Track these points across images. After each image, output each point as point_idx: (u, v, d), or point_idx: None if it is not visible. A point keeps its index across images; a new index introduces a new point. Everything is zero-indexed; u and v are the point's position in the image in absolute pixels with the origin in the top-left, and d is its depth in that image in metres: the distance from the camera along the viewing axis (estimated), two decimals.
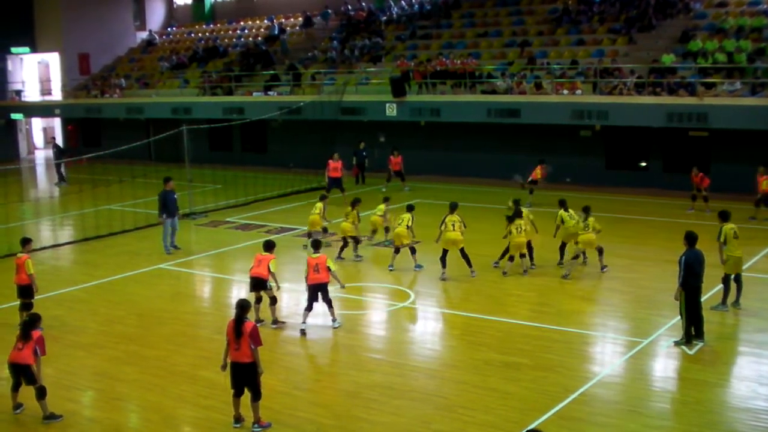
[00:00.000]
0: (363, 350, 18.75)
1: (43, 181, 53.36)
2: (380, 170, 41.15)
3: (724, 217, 20.49)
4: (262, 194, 38.81)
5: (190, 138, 36.11)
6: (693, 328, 18.10)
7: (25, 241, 20.71)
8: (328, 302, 19.84)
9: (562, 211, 24.93)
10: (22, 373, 15.03)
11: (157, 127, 49.07)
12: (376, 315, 21.62)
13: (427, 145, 41.98)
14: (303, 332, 19.66)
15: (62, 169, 47.36)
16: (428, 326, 21.01)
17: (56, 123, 64.34)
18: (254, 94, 48.48)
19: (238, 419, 14.76)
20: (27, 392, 15.24)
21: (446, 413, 15.12)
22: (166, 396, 16.58)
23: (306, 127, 44.20)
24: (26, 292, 20.28)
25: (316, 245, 20.31)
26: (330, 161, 37.28)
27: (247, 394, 14.58)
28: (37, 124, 65.65)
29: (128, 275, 25.64)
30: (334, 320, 20.00)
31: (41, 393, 14.98)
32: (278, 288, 20.50)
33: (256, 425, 14.52)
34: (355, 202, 26.76)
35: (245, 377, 14.48)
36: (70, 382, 17.27)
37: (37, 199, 44.12)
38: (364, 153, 40.25)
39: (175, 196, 28.57)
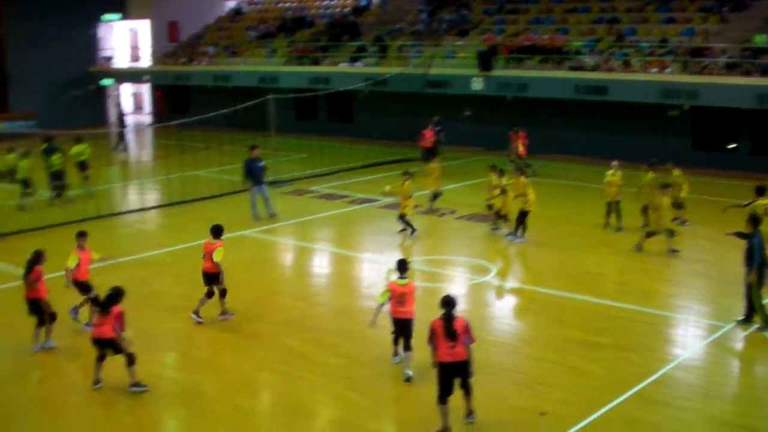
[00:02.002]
0: None
1: (132, 145, 54.21)
2: (462, 145, 41.08)
3: (760, 191, 20.45)
4: (347, 164, 38.94)
5: (276, 107, 36.34)
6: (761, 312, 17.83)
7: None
8: (406, 345, 15.69)
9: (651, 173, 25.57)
10: (107, 346, 15.06)
11: (243, 95, 49.36)
12: (457, 289, 21.60)
13: (512, 120, 41.63)
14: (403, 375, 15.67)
15: (124, 137, 47.93)
16: (508, 302, 20.96)
17: (145, 89, 65.30)
18: (341, 64, 48.56)
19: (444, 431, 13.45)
20: (110, 364, 15.48)
21: (524, 389, 15.10)
22: (244, 360, 16.82)
23: (391, 99, 44.23)
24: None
25: (402, 267, 15.88)
26: (425, 131, 37.28)
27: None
28: (127, 90, 66.68)
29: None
30: (406, 366, 15.77)
31: (131, 360, 14.99)
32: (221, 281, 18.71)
33: (470, 416, 13.78)
34: (494, 167, 26.95)
35: (460, 376, 13.47)
36: (152, 344, 17.59)
37: (125, 163, 44.85)
38: (438, 128, 40.01)
39: (261, 164, 28.75)
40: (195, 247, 24.89)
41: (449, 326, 13.25)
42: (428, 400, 14.66)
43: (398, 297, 15.49)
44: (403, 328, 15.60)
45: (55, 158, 32.69)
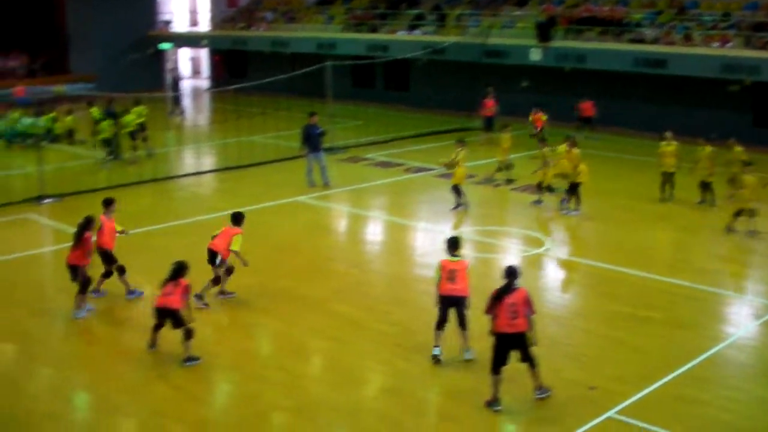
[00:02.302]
0: None
1: (189, 109, 54.57)
2: (519, 116, 40.84)
3: None
4: (403, 133, 38.92)
5: (333, 73, 36.37)
6: None
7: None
8: (462, 323, 15.17)
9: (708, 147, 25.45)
10: (170, 317, 15.08)
11: (301, 61, 49.43)
12: (510, 260, 21.56)
13: (570, 92, 41.29)
14: (437, 359, 15.16)
15: (179, 100, 48.23)
16: (561, 274, 20.89)
17: (203, 54, 65.63)
18: (399, 32, 48.43)
19: (495, 401, 13.45)
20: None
21: (573, 362, 15.08)
22: (297, 325, 16.94)
23: (449, 69, 44.07)
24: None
25: (454, 244, 15.49)
26: (486, 100, 37.16)
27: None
28: (185, 54, 67.07)
29: (266, 206, 26.12)
30: (466, 350, 15.31)
31: (189, 334, 15.05)
32: (246, 264, 18.11)
33: (539, 391, 13.70)
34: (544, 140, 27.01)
35: (519, 347, 13.44)
36: (208, 308, 17.81)
37: (181, 127, 45.20)
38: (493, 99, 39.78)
39: (319, 131, 28.75)
40: (249, 212, 25.04)
41: (507, 296, 13.35)
42: (479, 370, 14.71)
43: (448, 273, 14.98)
44: (454, 306, 14.99)
45: (105, 125, 33.09)
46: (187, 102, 54.34)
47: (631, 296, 18.48)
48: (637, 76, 38.14)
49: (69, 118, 38.46)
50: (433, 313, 17.43)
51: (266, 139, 37.95)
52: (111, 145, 33.50)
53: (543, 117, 34.90)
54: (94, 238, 17.65)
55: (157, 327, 15.32)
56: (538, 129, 34.56)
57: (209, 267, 17.77)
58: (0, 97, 43.74)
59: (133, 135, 33.63)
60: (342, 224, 25.68)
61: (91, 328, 17.05)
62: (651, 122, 36.69)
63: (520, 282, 13.61)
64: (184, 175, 31.42)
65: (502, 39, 42.82)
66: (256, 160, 32.75)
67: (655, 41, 37.85)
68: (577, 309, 18.08)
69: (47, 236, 23.99)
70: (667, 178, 26.32)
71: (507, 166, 28.61)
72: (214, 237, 18.04)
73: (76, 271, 17.23)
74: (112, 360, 15.50)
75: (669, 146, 26.28)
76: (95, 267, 17.77)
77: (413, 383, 14.45)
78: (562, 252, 22.22)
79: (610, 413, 13.21)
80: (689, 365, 14.99)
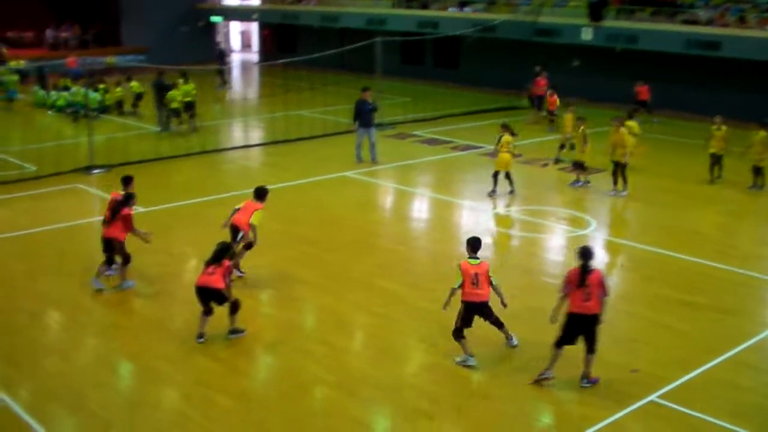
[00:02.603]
0: (539, 274, 18.73)
1: (238, 83, 54.80)
2: (568, 95, 40.55)
3: None
4: (451, 110, 38.83)
5: (383, 50, 36.32)
6: None
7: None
8: (496, 323, 14.73)
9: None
10: (213, 297, 15.02)
11: (350, 36, 49.42)
12: (555, 240, 21.49)
13: (620, 73, 40.91)
14: (468, 365, 14.33)
15: (225, 74, 48.38)
16: (606, 256, 20.75)
17: (253, 27, 65.79)
18: (449, 9, 48.21)
19: (546, 373, 13.62)
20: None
21: (616, 345, 14.98)
22: (341, 300, 17.01)
23: (499, 46, 43.83)
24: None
25: (475, 245, 14.38)
26: (538, 78, 36.94)
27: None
28: (235, 27, 67.29)
29: (313, 180, 26.21)
30: (509, 338, 15.00)
31: (235, 308, 15.07)
32: (254, 244, 17.79)
33: (585, 380, 13.62)
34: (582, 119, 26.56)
35: (588, 329, 13.40)
36: (247, 278, 17.93)
37: (230, 100, 45.40)
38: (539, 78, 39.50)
39: (371, 107, 28.69)
40: (295, 186, 25.29)
41: (583, 276, 13.24)
42: (520, 350, 14.72)
43: (472, 278, 14.04)
44: (479, 312, 14.29)
45: (174, 94, 33.60)
46: (235, 75, 54.52)
47: (676, 280, 18.35)
48: (689, 58, 37.68)
49: (118, 90, 38.80)
50: None
51: (314, 113, 38.01)
52: (179, 114, 34.11)
53: (557, 100, 34.50)
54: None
55: (206, 312, 15.10)
56: (551, 110, 34.35)
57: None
58: (53, 67, 44.15)
59: (176, 111, 33.96)
60: (388, 200, 25.69)
61: (136, 301, 17.23)
62: (702, 105, 36.29)
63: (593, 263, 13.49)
64: (233, 148, 31.61)
65: (554, 17, 42.49)
66: (303, 135, 32.84)
67: (708, 23, 37.38)
68: (621, 291, 17.93)
69: (95, 206, 24.20)
70: (716, 160, 26.24)
71: (572, 146, 28.40)
72: (236, 211, 17.88)
73: (110, 244, 17.33)
74: (155, 331, 15.66)
75: (719, 131, 26.13)
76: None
77: (453, 360, 14.44)
78: (608, 233, 22.08)
79: (652, 397, 13.15)
80: (733, 351, 14.86)
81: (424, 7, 49.55)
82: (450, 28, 44.69)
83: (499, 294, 14.26)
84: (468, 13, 46.87)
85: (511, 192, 24.72)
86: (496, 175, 24.66)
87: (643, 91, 36.17)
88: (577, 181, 25.94)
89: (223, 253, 15.10)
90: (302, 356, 14.55)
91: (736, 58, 36.01)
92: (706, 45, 36.39)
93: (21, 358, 14.44)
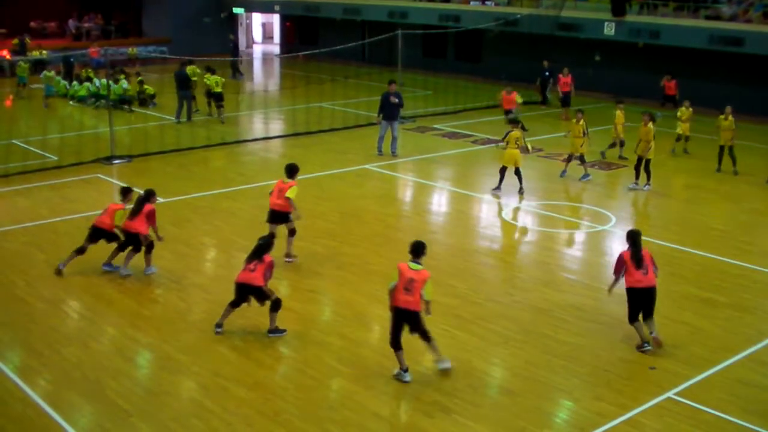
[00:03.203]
0: (558, 269, 18.69)
1: (259, 74, 54.89)
2: (590, 90, 40.51)
3: None
4: (472, 104, 38.78)
5: (404, 42, 36.30)
6: None
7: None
8: (424, 336, 13.63)
9: None
10: (253, 293, 14.98)
11: (372, 29, 49.49)
12: (576, 235, 21.45)
13: (643, 68, 40.76)
14: (403, 380, 13.59)
15: (238, 65, 48.48)
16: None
17: (275, 19, 65.85)
18: (472, 2, 48.13)
19: (646, 345, 14.67)
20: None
21: (633, 342, 14.94)
22: (360, 293, 17.05)
23: (521, 40, 43.74)
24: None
25: (418, 250, 13.87)
26: (560, 75, 36.89)
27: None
28: (257, 19, 67.37)
29: (334, 173, 26.25)
30: (439, 359, 13.85)
31: (276, 306, 15.01)
32: (299, 218, 18.41)
33: (648, 344, 14.68)
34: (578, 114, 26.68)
35: (650, 299, 14.66)
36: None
37: (252, 92, 45.46)
38: (547, 72, 39.29)
39: (396, 101, 28.59)
40: (316, 179, 25.27)
41: (638, 255, 14.58)
42: (538, 345, 14.72)
43: (406, 282, 13.38)
44: (407, 321, 13.46)
45: (214, 80, 34.84)
46: (256, 67, 54.54)
47: (695, 277, 18.29)
48: (712, 53, 37.49)
49: (138, 81, 38.96)
50: (494, 285, 17.53)
51: (335, 106, 38.04)
52: (222, 99, 34.86)
53: (518, 99, 34.23)
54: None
55: (235, 304, 15.12)
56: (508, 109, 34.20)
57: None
58: (76, 57, 44.38)
59: (218, 96, 35.08)
60: (407, 194, 25.69)
61: (155, 291, 17.30)
62: (723, 101, 36.08)
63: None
64: (253, 140, 31.67)
65: (576, 12, 42.39)
66: (324, 127, 32.89)
67: (732, 19, 37.17)
68: None
69: (115, 196, 24.30)
70: (726, 152, 26.86)
71: (621, 143, 28.25)
72: (270, 194, 18.35)
73: (129, 235, 17.54)
74: (174, 322, 15.74)
75: (726, 121, 26.75)
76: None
77: (472, 355, 14.47)
78: (629, 229, 21.98)
79: (669, 394, 13.12)
80: (752, 349, 14.81)
81: (446, 0, 49.48)
82: (472, 21, 44.65)
83: (426, 306, 13.53)
84: (490, 6, 46.80)
85: (521, 191, 24.37)
86: (503, 170, 24.44)
87: (671, 86, 35.99)
88: (587, 175, 26.02)
89: (264, 249, 15.02)
90: (319, 348, 14.59)
91: (759, 54, 35.80)
92: (729, 41, 36.21)
93: (41, 347, 14.54)
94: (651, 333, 14.56)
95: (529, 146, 24.92)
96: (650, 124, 24.74)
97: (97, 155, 27.50)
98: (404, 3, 50.56)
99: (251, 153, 29.53)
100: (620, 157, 28.42)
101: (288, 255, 18.56)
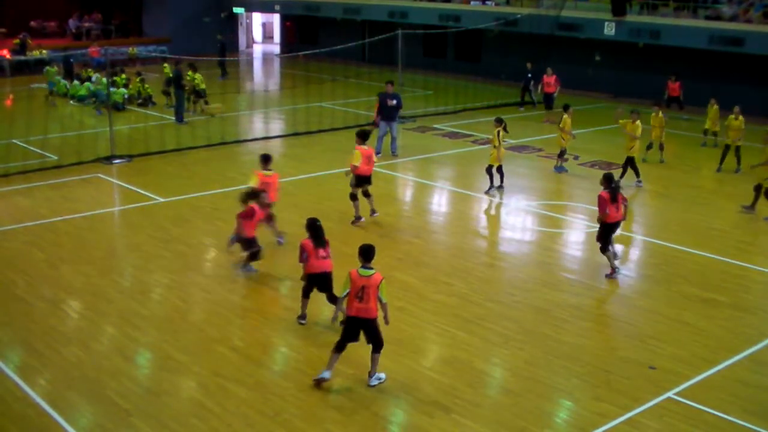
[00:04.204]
0: (558, 269, 18.68)
1: (259, 74, 54.88)
2: (590, 90, 40.51)
3: None
4: (472, 104, 38.77)
5: (404, 42, 36.29)
6: None
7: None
8: (376, 346, 13.34)
9: None
10: (326, 280, 15.06)
11: (372, 29, 49.47)
12: (575, 235, 21.44)
13: (643, 68, 40.76)
14: (320, 383, 13.36)
15: (225, 66, 48.31)
16: (626, 252, 20.69)
17: (275, 19, 65.85)
18: (472, 2, 48.10)
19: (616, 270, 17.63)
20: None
21: (634, 341, 14.98)
22: None
23: (521, 40, 43.73)
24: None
25: (368, 254, 13.51)
26: (544, 76, 36.80)
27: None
28: (257, 18, 67.37)
29: (334, 172, 26.21)
30: (372, 374, 13.47)
31: (333, 298, 15.13)
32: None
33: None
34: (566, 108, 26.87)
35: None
36: (269, 270, 17.99)
37: (252, 91, 45.43)
38: (530, 75, 39.09)
39: (393, 102, 28.54)
40: (316, 178, 25.29)
41: (615, 196, 17.72)
42: (538, 346, 14.72)
43: (358, 290, 13.07)
44: (365, 331, 13.21)
45: (198, 77, 35.96)
46: (256, 67, 54.46)
47: (696, 277, 18.27)
48: (712, 53, 37.46)
49: (138, 80, 38.96)
50: (494, 284, 17.52)
51: (335, 105, 38.04)
52: (205, 96, 35.84)
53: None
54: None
55: (308, 292, 15.32)
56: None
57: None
58: (76, 56, 44.37)
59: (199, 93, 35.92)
60: (407, 193, 25.69)
61: (155, 290, 17.32)
62: (724, 101, 36.13)
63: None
64: (253, 140, 31.66)
65: (576, 12, 42.37)
66: (324, 127, 32.89)
67: (732, 19, 37.14)
68: (641, 288, 17.90)
69: (116, 196, 24.33)
70: (732, 151, 26.95)
71: (660, 145, 28.17)
72: (362, 165, 20.73)
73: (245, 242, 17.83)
74: (174, 321, 15.75)
75: (736, 120, 26.87)
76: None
77: (472, 355, 14.47)
78: (629, 229, 21.99)
79: (669, 394, 13.12)
80: (752, 349, 14.82)
81: (447, 0, 49.47)
82: (472, 21, 44.63)
83: (384, 311, 13.27)
84: (490, 6, 46.77)
85: (501, 187, 24.62)
86: (490, 169, 24.52)
87: (675, 87, 35.88)
88: (561, 167, 26.81)
89: (323, 232, 15.15)
90: (320, 348, 14.56)
91: (759, 54, 35.78)
92: (729, 41, 36.17)
93: (41, 346, 14.54)
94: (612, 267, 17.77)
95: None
96: (638, 122, 24.84)
97: (97, 155, 27.52)
98: (404, 3, 50.52)
99: (252, 152, 29.44)
100: (660, 161, 28.39)
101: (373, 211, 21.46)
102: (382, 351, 13.34)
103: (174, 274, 17.88)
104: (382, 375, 13.48)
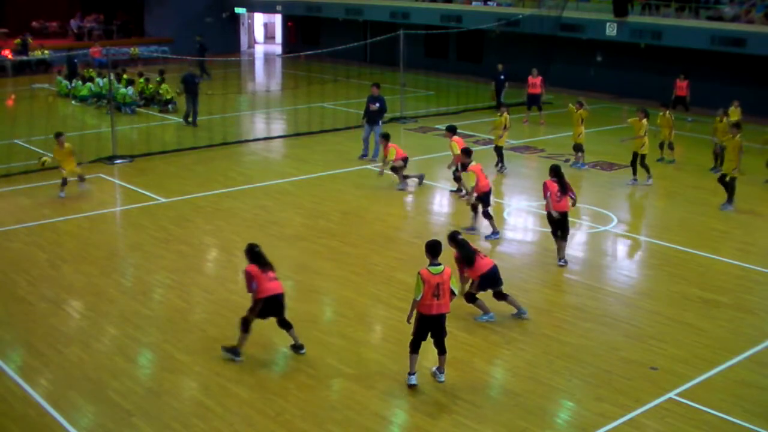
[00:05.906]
0: (559, 269, 18.65)
1: (261, 74, 54.89)
2: (591, 91, 40.47)
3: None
4: (474, 104, 38.74)
5: (406, 43, 36.27)
6: None
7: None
8: (439, 345, 13.51)
9: None
10: (277, 303, 14.26)
11: (374, 29, 49.43)
12: (577, 236, 21.41)
13: (644, 68, 40.72)
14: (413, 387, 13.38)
15: (205, 66, 48.07)
16: (627, 253, 20.69)
17: (276, 19, 65.85)
18: (473, 3, 48.09)
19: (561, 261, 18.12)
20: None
21: (635, 342, 14.97)
22: (361, 294, 17.05)
23: (523, 41, 43.71)
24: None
25: (435, 250, 13.22)
26: (529, 77, 36.77)
27: None
28: (259, 19, 67.37)
29: (335, 173, 26.25)
30: (439, 370, 13.68)
31: (284, 323, 14.63)
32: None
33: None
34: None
35: (566, 223, 18.71)
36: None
37: (253, 92, 45.45)
38: (502, 76, 38.74)
39: (376, 105, 28.39)
40: (318, 179, 25.28)
41: (563, 183, 18.38)
42: (541, 346, 14.72)
43: (433, 289, 12.96)
44: (437, 326, 13.29)
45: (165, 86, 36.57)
46: (258, 67, 54.39)
47: (698, 278, 18.26)
48: (714, 54, 37.43)
49: (141, 81, 38.95)
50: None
51: (337, 106, 38.05)
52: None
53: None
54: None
55: (249, 325, 14.47)
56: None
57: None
58: (78, 56, 44.38)
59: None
60: (409, 194, 25.65)
61: (156, 290, 17.34)
62: (725, 102, 36.15)
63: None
64: (255, 140, 31.67)
65: (578, 12, 42.34)
66: (326, 127, 32.91)
67: (734, 19, 37.12)
68: (643, 289, 17.90)
69: (117, 196, 24.35)
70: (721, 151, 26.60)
71: (670, 145, 28.17)
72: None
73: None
74: (175, 321, 15.76)
75: (720, 123, 26.72)
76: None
77: (473, 355, 14.48)
78: (631, 230, 22.00)
79: (671, 395, 13.12)
80: (754, 350, 14.80)
81: (448, 0, 49.45)
82: (474, 22, 44.60)
83: (452, 297, 13.37)
84: (492, 7, 46.75)
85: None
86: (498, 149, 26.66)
87: (683, 86, 35.70)
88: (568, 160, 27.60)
89: (262, 256, 14.25)
90: (321, 348, 14.59)
91: (761, 54, 35.76)
92: (731, 42, 36.13)
93: (42, 347, 14.56)
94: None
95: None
96: (644, 120, 24.87)
97: (98, 155, 27.55)
98: (406, 3, 50.51)
99: (253, 153, 29.52)
100: (668, 161, 28.41)
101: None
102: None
103: (175, 274, 17.89)
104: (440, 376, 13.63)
